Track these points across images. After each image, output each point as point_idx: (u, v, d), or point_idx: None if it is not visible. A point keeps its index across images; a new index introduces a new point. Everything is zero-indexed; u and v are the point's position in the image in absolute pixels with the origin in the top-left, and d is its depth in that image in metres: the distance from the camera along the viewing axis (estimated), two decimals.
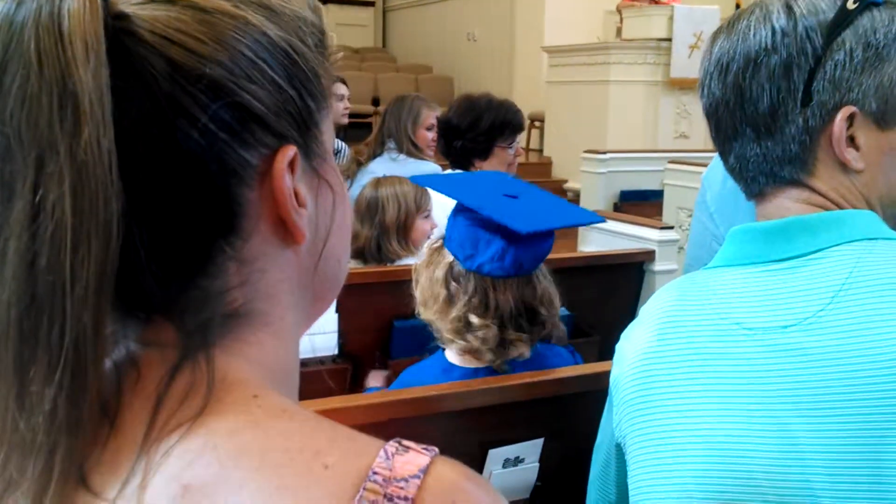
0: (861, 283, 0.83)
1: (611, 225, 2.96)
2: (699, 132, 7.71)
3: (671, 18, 7.29)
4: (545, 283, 1.55)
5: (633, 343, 0.98)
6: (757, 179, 0.93)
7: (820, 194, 0.91)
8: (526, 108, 9.10)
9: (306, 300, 0.58)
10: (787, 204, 0.92)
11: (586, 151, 6.02)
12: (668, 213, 5.17)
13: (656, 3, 7.84)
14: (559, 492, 1.50)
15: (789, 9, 0.90)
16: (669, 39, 7.30)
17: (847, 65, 0.88)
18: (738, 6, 9.65)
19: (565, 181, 7.77)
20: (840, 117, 0.88)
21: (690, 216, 5.13)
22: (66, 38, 0.44)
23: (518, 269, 1.49)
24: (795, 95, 0.88)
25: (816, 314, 0.83)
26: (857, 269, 0.84)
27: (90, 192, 0.44)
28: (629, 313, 2.71)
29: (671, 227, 2.95)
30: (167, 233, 0.49)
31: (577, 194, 6.51)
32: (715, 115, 0.95)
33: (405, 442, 0.47)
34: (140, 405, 0.48)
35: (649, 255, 2.68)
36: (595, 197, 5.87)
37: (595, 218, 1.82)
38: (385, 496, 0.44)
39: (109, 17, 0.47)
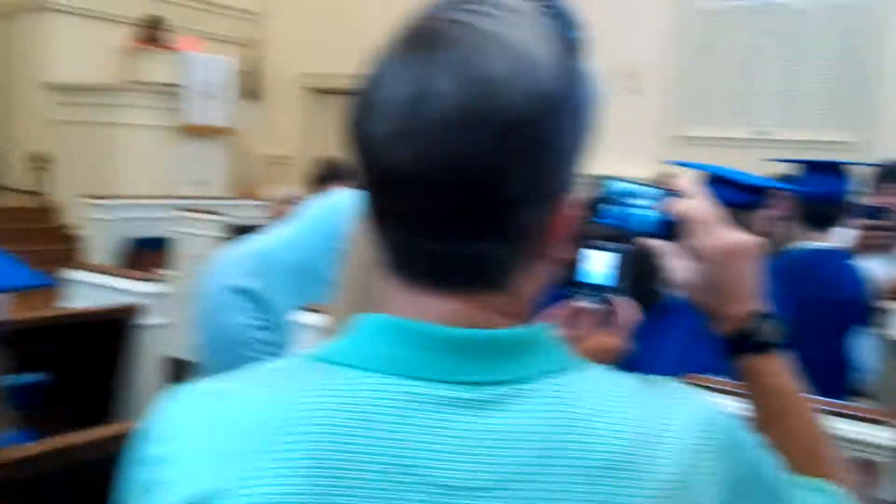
0: None
1: (97, 278, 2.79)
2: (217, 179, 7.78)
3: (179, 65, 7.28)
4: None
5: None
6: None
7: None
8: (27, 147, 8.26)
9: None
10: None
11: (89, 196, 5.63)
12: (178, 262, 5.05)
13: (166, 48, 7.74)
14: None
15: None
16: (180, 85, 7.27)
17: None
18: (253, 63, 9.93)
19: (72, 227, 7.19)
20: None
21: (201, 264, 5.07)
22: None
23: None
24: None
25: None
26: None
27: None
28: (118, 374, 2.56)
29: (164, 280, 2.87)
30: None
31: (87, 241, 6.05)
32: None
33: None
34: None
35: (136, 310, 2.57)
36: (103, 244, 5.52)
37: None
38: None
39: None
